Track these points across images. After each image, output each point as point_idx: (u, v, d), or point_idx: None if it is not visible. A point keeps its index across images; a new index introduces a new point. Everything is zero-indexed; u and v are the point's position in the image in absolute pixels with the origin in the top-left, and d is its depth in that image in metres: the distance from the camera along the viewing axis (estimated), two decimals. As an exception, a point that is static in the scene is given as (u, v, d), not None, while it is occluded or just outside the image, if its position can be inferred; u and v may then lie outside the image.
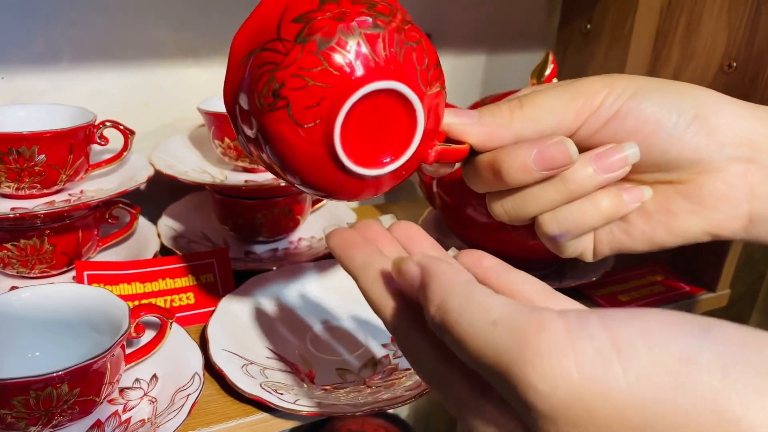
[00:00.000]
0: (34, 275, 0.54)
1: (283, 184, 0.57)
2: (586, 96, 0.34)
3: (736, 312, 1.05)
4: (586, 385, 0.20)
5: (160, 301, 0.53)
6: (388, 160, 0.31)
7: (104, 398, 0.40)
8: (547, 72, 0.56)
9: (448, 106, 0.34)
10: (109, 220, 0.59)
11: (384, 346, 0.49)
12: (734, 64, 0.58)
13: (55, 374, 0.35)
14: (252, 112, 0.29)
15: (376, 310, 0.28)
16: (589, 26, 0.73)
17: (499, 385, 0.22)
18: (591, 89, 0.34)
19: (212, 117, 0.57)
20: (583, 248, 0.37)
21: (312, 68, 0.27)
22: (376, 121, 0.29)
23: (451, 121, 0.34)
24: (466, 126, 0.34)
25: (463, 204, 0.57)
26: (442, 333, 0.24)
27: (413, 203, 0.81)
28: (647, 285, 0.62)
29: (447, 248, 0.33)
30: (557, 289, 0.30)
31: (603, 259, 0.63)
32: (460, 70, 0.80)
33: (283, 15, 0.28)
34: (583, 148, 0.33)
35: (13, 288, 0.54)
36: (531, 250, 0.55)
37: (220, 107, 0.57)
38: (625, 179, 0.34)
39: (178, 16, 0.62)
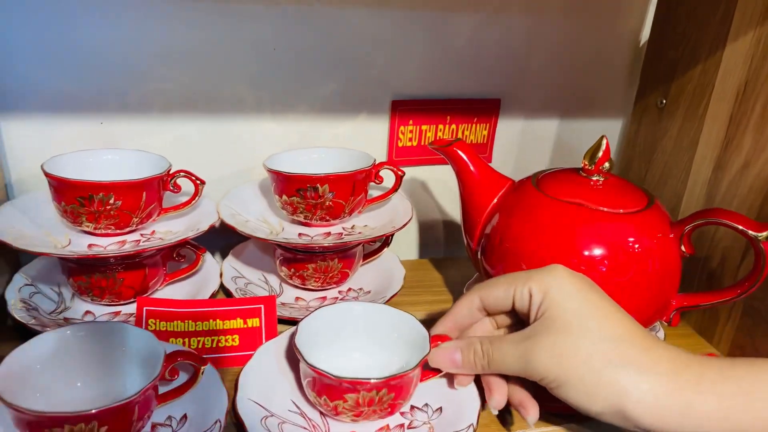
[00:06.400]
0: (105, 303, 0.61)
1: (326, 244, 0.61)
2: (533, 374, 0.44)
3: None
4: None
5: (207, 341, 0.58)
6: None
7: (134, 433, 0.44)
8: (599, 155, 0.56)
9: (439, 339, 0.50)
10: (176, 258, 0.64)
11: (402, 414, 0.51)
12: (804, 162, 0.55)
13: (86, 413, 0.40)
14: None
15: None
16: (664, 101, 0.71)
17: None
18: (537, 372, 0.43)
19: (274, 174, 0.62)
20: None
21: None
22: None
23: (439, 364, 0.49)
24: (451, 369, 0.49)
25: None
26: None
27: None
28: None
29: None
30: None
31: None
32: (530, 134, 0.80)
33: None
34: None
35: (87, 312, 0.61)
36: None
37: (282, 166, 0.62)
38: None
39: (257, 76, 0.68)
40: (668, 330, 0.67)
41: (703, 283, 0.67)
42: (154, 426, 0.48)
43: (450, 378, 0.52)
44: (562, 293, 0.44)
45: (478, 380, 0.51)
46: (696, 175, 0.67)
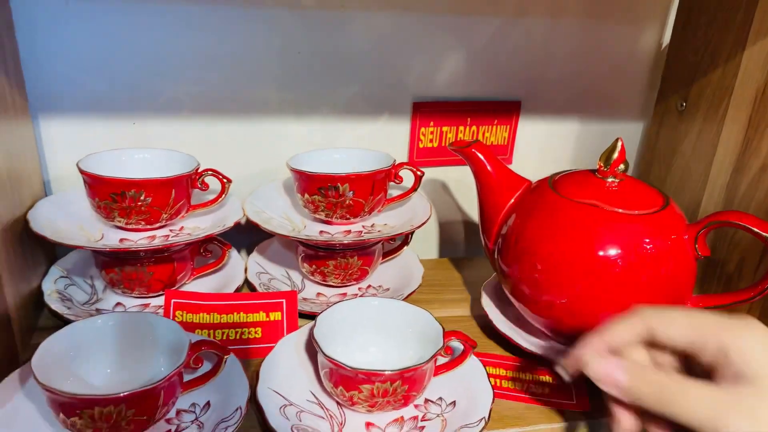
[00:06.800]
0: (135, 296, 0.64)
1: (346, 241, 0.63)
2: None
3: None
4: None
5: (232, 332, 0.60)
6: None
7: (160, 418, 0.47)
8: (615, 156, 0.57)
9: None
10: (203, 254, 0.67)
11: (416, 406, 0.53)
12: (821, 165, 0.55)
13: (115, 396, 0.42)
14: None
15: None
16: (684, 104, 0.71)
17: None
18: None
19: (297, 173, 0.64)
20: None
21: None
22: None
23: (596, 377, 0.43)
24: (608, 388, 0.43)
25: (519, 278, 0.59)
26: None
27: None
28: None
29: None
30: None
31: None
32: (551, 136, 0.81)
33: None
34: None
35: (118, 304, 0.64)
36: (577, 327, 0.56)
37: (305, 165, 0.64)
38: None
39: (282, 80, 0.70)
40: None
41: (722, 285, 0.67)
42: (178, 412, 0.50)
43: (461, 372, 0.53)
44: (764, 355, 0.40)
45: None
46: (715, 178, 0.67)
